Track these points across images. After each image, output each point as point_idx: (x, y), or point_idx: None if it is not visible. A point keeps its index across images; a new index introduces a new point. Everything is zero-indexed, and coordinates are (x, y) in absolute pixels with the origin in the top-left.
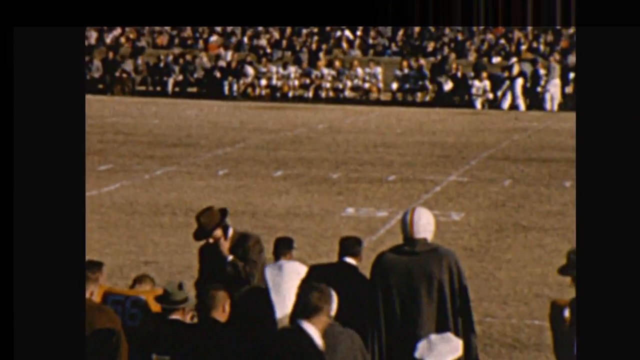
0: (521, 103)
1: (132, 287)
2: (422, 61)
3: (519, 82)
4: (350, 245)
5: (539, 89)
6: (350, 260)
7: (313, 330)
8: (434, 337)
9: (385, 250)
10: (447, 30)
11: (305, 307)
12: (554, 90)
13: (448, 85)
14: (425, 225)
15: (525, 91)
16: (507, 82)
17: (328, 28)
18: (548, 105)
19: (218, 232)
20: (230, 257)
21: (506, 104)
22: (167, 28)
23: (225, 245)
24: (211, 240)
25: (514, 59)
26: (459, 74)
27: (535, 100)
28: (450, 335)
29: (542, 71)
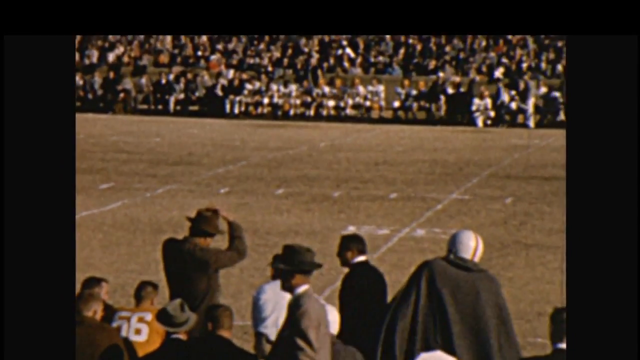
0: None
1: (135, 296)
2: (421, 83)
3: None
4: (358, 242)
5: (513, 106)
6: (362, 258)
7: None
8: (426, 355)
9: (435, 257)
10: (448, 49)
11: None
12: (529, 108)
13: (442, 108)
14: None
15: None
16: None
17: (327, 39)
18: (530, 123)
19: None
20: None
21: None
22: (169, 47)
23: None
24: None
25: (471, 77)
26: (460, 91)
27: (499, 117)
28: (440, 353)
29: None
